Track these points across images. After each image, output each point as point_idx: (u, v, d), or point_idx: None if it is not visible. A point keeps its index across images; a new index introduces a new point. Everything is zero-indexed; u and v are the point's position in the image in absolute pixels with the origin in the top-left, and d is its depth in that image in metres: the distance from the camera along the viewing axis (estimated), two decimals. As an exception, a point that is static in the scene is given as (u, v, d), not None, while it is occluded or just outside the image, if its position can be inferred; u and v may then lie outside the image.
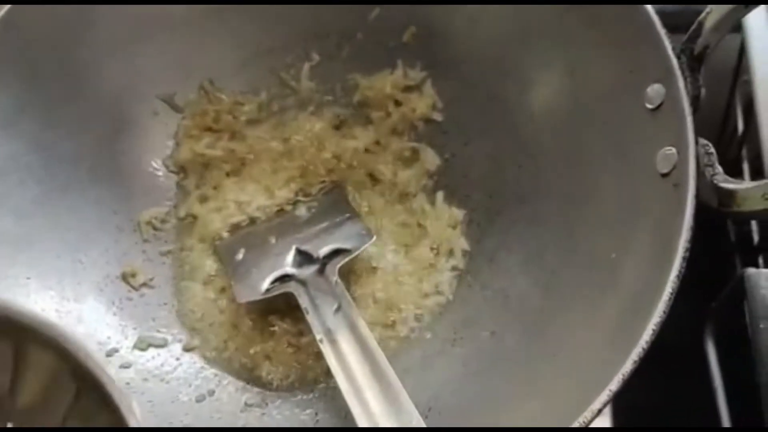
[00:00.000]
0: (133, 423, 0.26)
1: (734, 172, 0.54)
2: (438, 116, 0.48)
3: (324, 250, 0.44)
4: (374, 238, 0.44)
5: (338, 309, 0.41)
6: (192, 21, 0.47)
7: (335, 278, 0.42)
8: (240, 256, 0.45)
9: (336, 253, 0.44)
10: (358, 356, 0.39)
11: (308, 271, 0.43)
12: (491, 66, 0.45)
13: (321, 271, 0.43)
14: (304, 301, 0.41)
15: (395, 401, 0.36)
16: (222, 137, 0.49)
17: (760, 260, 0.48)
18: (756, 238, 0.49)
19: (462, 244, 0.45)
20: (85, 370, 0.27)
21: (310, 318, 0.40)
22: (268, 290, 0.43)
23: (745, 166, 0.54)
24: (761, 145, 0.45)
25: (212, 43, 0.48)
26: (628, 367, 0.30)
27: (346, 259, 0.43)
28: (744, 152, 0.54)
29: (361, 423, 0.36)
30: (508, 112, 0.45)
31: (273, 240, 0.45)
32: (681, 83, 0.34)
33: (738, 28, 0.50)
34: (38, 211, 0.43)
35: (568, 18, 0.41)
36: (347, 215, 0.46)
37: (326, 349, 0.39)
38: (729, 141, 0.57)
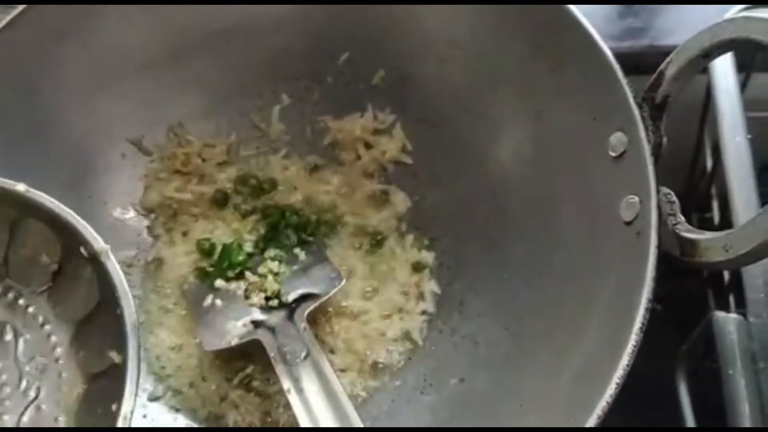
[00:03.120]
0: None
1: (704, 207, 0.55)
2: (408, 159, 0.48)
3: (293, 295, 0.44)
4: (344, 281, 0.44)
5: (307, 356, 0.40)
6: (160, 64, 0.47)
7: (303, 324, 0.42)
8: (208, 301, 0.44)
9: (305, 297, 0.43)
10: (325, 406, 0.38)
11: (277, 317, 0.43)
12: (460, 110, 0.46)
13: (290, 317, 0.43)
14: (272, 349, 0.41)
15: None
16: (191, 180, 0.48)
17: (731, 300, 0.48)
18: (726, 277, 0.49)
19: (432, 287, 0.45)
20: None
21: (278, 368, 0.40)
22: (235, 337, 0.42)
23: (714, 203, 0.54)
24: (727, 185, 0.45)
25: (181, 85, 0.48)
26: (592, 421, 0.30)
27: (315, 304, 0.43)
28: (713, 189, 0.54)
29: None
30: (477, 156, 0.45)
31: (242, 284, 0.45)
32: (642, 132, 0.34)
33: (704, 68, 0.51)
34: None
35: (534, 64, 0.41)
36: (317, 258, 0.45)
37: (294, 400, 0.38)
38: (700, 176, 0.57)
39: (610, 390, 0.30)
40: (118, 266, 0.35)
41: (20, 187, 0.36)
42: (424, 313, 0.44)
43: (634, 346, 0.30)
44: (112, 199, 0.48)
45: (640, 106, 0.35)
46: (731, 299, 0.47)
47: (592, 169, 0.37)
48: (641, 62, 0.55)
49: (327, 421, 0.37)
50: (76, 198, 0.46)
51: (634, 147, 0.35)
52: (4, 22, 0.42)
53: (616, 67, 0.36)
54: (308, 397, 0.38)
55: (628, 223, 0.34)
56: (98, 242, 0.35)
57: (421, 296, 0.45)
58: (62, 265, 0.37)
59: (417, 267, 0.46)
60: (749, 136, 0.45)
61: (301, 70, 0.49)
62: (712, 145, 0.54)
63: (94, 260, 0.35)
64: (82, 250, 0.35)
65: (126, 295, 0.34)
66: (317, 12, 0.47)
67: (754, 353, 0.39)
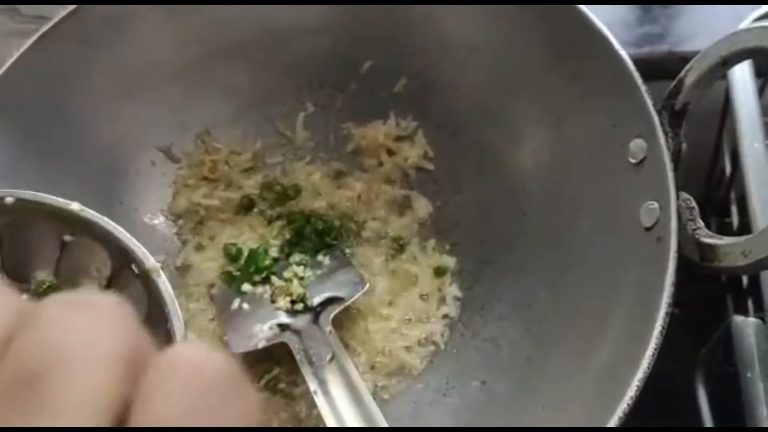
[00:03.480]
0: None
1: (723, 212, 0.55)
2: (429, 165, 0.49)
3: (318, 299, 0.45)
4: (367, 285, 0.45)
5: (332, 358, 0.41)
6: (188, 73, 0.48)
7: (329, 327, 0.43)
8: (235, 305, 0.45)
9: (330, 301, 0.44)
10: (351, 407, 0.39)
11: (302, 320, 0.44)
12: (480, 116, 0.46)
13: (315, 320, 0.44)
14: (298, 352, 0.42)
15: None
16: (218, 186, 0.50)
17: (750, 304, 0.48)
18: (745, 281, 0.50)
19: (454, 291, 0.46)
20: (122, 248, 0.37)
21: (305, 369, 0.41)
22: (262, 340, 0.43)
23: (733, 208, 0.54)
24: (746, 190, 0.45)
25: (208, 93, 0.49)
26: (613, 422, 0.30)
27: (340, 308, 0.44)
28: (732, 194, 0.55)
29: None
30: (497, 161, 0.46)
31: (268, 288, 0.46)
32: (662, 139, 0.35)
33: (723, 75, 0.51)
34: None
35: (553, 70, 0.42)
36: (341, 263, 0.46)
37: (320, 401, 0.39)
38: (719, 181, 0.57)
39: (631, 392, 0.30)
40: (168, 283, 0.36)
41: (74, 206, 0.37)
42: (445, 316, 0.45)
43: (655, 350, 0.31)
44: (142, 205, 0.49)
45: (659, 113, 0.36)
46: (750, 303, 0.48)
47: (612, 175, 0.38)
48: (660, 68, 0.56)
49: (353, 421, 0.38)
50: (107, 204, 0.47)
51: (654, 154, 0.35)
52: (36, 36, 0.43)
53: (635, 74, 0.37)
54: (334, 399, 0.39)
55: (648, 229, 0.35)
56: (150, 260, 0.36)
57: (443, 300, 0.46)
58: (111, 280, 0.38)
59: (439, 271, 0.47)
60: (767, 142, 0.46)
61: (325, 78, 0.50)
62: (731, 150, 0.54)
63: (145, 277, 0.36)
64: (133, 266, 0.36)
65: (176, 311, 0.35)
66: (341, 21, 0.48)
67: (773, 356, 0.39)
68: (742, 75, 0.48)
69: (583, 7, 0.39)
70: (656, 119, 0.36)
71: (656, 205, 0.35)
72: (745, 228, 0.44)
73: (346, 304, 0.44)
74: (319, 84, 0.50)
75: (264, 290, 0.46)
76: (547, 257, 0.42)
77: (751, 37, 0.33)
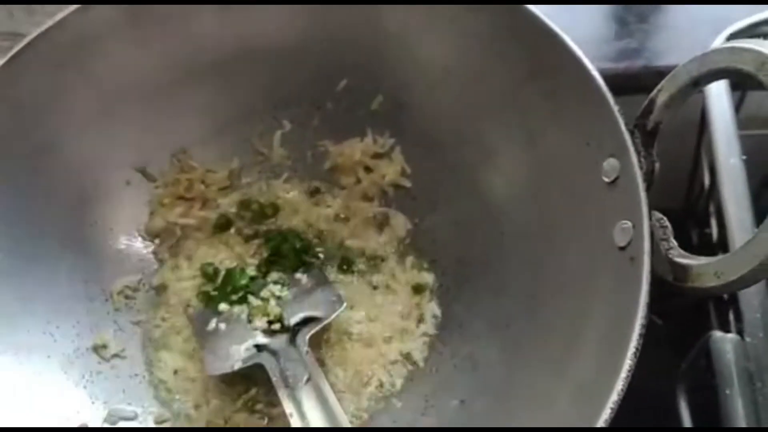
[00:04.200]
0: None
1: (703, 223, 0.55)
2: (407, 182, 0.49)
3: (295, 319, 0.44)
4: (345, 305, 0.44)
5: (308, 380, 0.41)
6: (162, 92, 0.48)
7: (306, 348, 0.42)
8: (212, 325, 0.45)
9: (307, 321, 0.44)
10: (319, 408, 0.39)
11: (279, 340, 0.43)
12: (454, 135, 0.46)
13: (292, 340, 0.43)
14: (274, 374, 0.41)
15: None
16: (195, 206, 0.49)
17: (731, 316, 0.48)
18: (726, 296, 0.50)
19: (433, 309, 0.46)
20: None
21: (281, 391, 0.40)
22: (238, 361, 0.43)
23: (713, 220, 0.54)
24: (723, 206, 0.46)
25: (184, 112, 0.49)
26: (588, 445, 0.30)
27: (317, 328, 0.43)
28: (711, 207, 0.55)
29: None
30: (473, 179, 0.46)
31: (245, 308, 0.46)
32: (634, 159, 0.35)
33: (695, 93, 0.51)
34: (6, 283, 0.43)
35: (526, 89, 0.42)
36: (318, 281, 0.46)
37: (296, 424, 0.39)
38: (698, 193, 0.58)
39: (605, 415, 0.30)
40: None
41: None
42: (424, 335, 0.45)
43: (629, 372, 0.31)
44: (117, 225, 0.48)
45: (632, 133, 0.36)
46: (731, 316, 0.48)
47: (587, 194, 0.38)
48: (637, 83, 0.56)
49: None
50: (80, 224, 0.47)
51: (627, 173, 0.35)
52: (8, 56, 0.43)
53: (607, 93, 0.36)
54: (310, 421, 0.39)
55: (622, 248, 0.35)
56: None
57: (421, 318, 0.46)
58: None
59: (417, 289, 0.46)
60: (744, 157, 0.46)
61: (302, 96, 0.50)
62: (709, 163, 0.54)
63: None
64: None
65: None
66: (316, 40, 0.48)
67: (751, 373, 0.39)
68: (718, 90, 0.48)
69: (557, 29, 0.39)
70: (628, 139, 0.35)
71: (629, 224, 0.34)
72: (723, 240, 0.44)
73: (324, 323, 0.44)
74: (296, 102, 0.50)
75: (241, 310, 0.45)
76: (523, 276, 0.42)
77: (721, 57, 0.33)
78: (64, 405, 0.42)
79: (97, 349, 0.45)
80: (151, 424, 0.43)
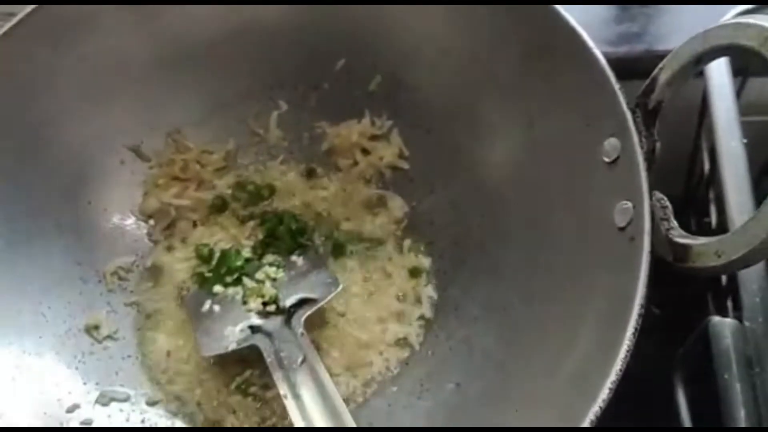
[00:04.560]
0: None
1: (703, 210, 0.55)
2: (404, 164, 0.49)
3: (290, 300, 0.44)
4: (341, 287, 0.44)
5: (303, 361, 0.40)
6: (158, 71, 0.48)
7: (301, 330, 0.42)
8: (206, 307, 0.44)
9: (302, 302, 0.44)
10: (321, 411, 0.38)
11: (274, 322, 0.43)
12: (452, 116, 0.46)
13: (287, 322, 0.43)
14: (269, 355, 0.41)
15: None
16: (190, 186, 0.49)
17: (729, 304, 0.48)
18: (724, 280, 0.49)
19: (429, 292, 0.45)
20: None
21: (275, 373, 0.40)
22: (233, 342, 0.43)
23: (712, 207, 0.54)
24: (723, 190, 0.45)
25: (179, 92, 0.49)
26: (586, 424, 0.30)
27: (312, 309, 0.43)
28: (711, 193, 0.54)
29: None
30: (471, 161, 0.45)
31: (240, 290, 0.45)
32: (635, 138, 0.34)
33: (700, 72, 0.51)
34: (0, 264, 0.42)
35: (526, 70, 0.41)
36: (314, 263, 0.46)
37: (290, 405, 0.39)
38: (698, 179, 0.57)
39: (603, 395, 0.30)
40: None
41: None
42: (421, 318, 0.45)
43: (627, 352, 0.30)
44: (111, 205, 0.48)
45: (633, 112, 0.35)
46: (729, 303, 0.47)
47: (587, 175, 0.37)
48: (638, 67, 0.55)
49: (324, 425, 0.38)
50: (75, 204, 0.46)
51: (627, 153, 0.35)
52: (1, 32, 0.42)
53: (609, 72, 0.36)
54: (305, 402, 0.39)
55: (622, 229, 0.34)
56: None
57: (418, 301, 0.45)
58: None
59: (414, 272, 0.46)
60: (745, 141, 0.45)
61: (299, 77, 0.49)
62: (709, 148, 0.54)
63: None
64: None
65: None
66: (313, 19, 0.47)
67: (749, 357, 0.39)
68: (719, 73, 0.48)
69: (557, 6, 0.38)
70: (629, 118, 0.35)
71: (630, 204, 0.34)
72: (723, 226, 0.44)
73: (319, 305, 0.43)
74: (293, 83, 0.49)
75: (236, 291, 0.45)
76: (521, 258, 0.41)
77: (724, 34, 0.32)
78: (56, 386, 0.41)
79: (90, 330, 0.44)
80: (144, 406, 0.43)
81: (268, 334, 0.42)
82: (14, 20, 0.43)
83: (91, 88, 0.46)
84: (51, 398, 0.41)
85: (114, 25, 0.45)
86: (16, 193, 0.44)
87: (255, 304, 0.44)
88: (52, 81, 0.44)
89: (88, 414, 0.41)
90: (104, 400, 0.42)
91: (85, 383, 0.42)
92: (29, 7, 0.43)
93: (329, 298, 0.43)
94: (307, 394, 0.39)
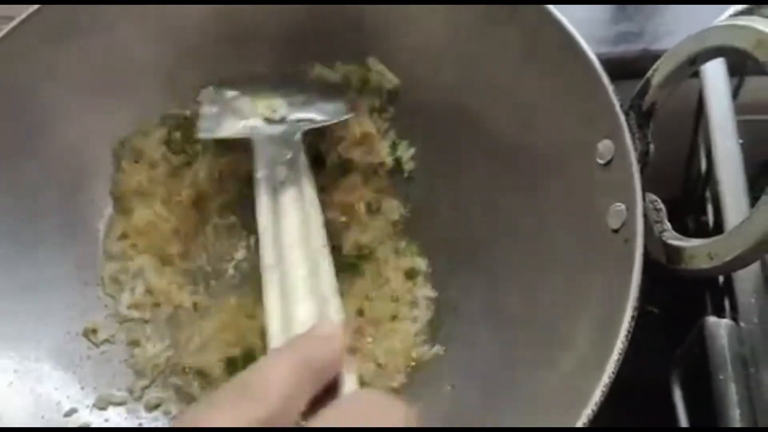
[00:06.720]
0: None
1: (700, 210, 0.55)
2: (402, 165, 0.48)
3: (298, 115, 0.45)
4: (351, 114, 0.46)
5: (292, 183, 0.41)
6: (160, 69, 0.48)
7: (299, 136, 0.43)
8: (217, 101, 0.46)
9: (309, 121, 0.45)
10: (298, 218, 0.39)
11: (277, 129, 0.44)
12: (450, 116, 0.46)
13: (290, 134, 0.44)
14: (261, 157, 0.42)
15: (318, 288, 0.36)
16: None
17: (726, 304, 0.48)
18: (721, 280, 0.49)
19: (425, 293, 0.45)
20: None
21: (259, 188, 0.40)
22: (231, 131, 0.44)
23: (709, 207, 0.54)
24: (719, 190, 0.45)
25: (181, 90, 0.49)
26: (579, 425, 0.30)
27: (317, 125, 0.45)
28: (708, 193, 0.54)
29: (270, 302, 0.35)
30: (469, 161, 0.45)
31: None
32: (628, 140, 0.34)
33: (696, 72, 0.51)
34: (2, 269, 0.43)
35: (523, 71, 0.41)
36: (328, 94, 0.47)
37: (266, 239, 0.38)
38: (695, 180, 0.57)
39: (595, 398, 0.30)
40: None
41: None
42: (416, 320, 0.45)
43: (620, 354, 0.30)
44: (110, 204, 0.48)
45: (627, 114, 0.36)
46: (726, 303, 0.47)
47: (582, 177, 0.37)
48: (636, 67, 0.55)
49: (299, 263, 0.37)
50: (75, 206, 0.47)
51: (621, 154, 0.35)
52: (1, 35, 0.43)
53: (603, 73, 0.36)
54: (282, 205, 0.39)
55: (616, 231, 0.34)
56: None
57: (414, 303, 0.45)
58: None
59: (410, 274, 0.46)
60: (741, 141, 0.45)
61: (295, 77, 0.49)
62: (706, 149, 0.54)
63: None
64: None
65: None
66: (310, 21, 0.47)
67: (745, 358, 0.39)
68: (714, 73, 0.48)
69: (552, 7, 0.38)
70: (623, 120, 0.35)
71: (623, 206, 0.34)
72: (720, 227, 0.44)
73: (325, 123, 0.45)
74: (290, 82, 0.49)
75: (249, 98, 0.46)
76: (517, 260, 0.41)
77: (717, 36, 0.33)
78: (55, 390, 0.42)
79: (88, 333, 0.44)
80: (140, 409, 0.43)
81: (267, 138, 0.43)
82: (15, 21, 0.43)
83: (88, 84, 0.46)
84: (49, 402, 0.41)
85: (115, 25, 0.46)
86: (14, 198, 0.44)
87: (263, 110, 0.45)
88: (51, 80, 0.45)
89: (85, 418, 0.41)
90: (102, 404, 0.42)
91: (82, 387, 0.42)
92: (30, 8, 0.43)
93: (335, 120, 0.45)
94: (287, 196, 0.40)
